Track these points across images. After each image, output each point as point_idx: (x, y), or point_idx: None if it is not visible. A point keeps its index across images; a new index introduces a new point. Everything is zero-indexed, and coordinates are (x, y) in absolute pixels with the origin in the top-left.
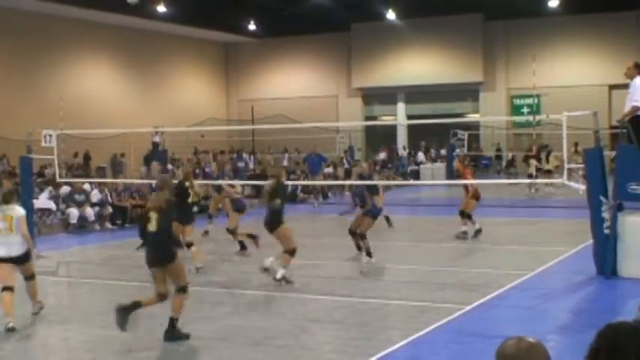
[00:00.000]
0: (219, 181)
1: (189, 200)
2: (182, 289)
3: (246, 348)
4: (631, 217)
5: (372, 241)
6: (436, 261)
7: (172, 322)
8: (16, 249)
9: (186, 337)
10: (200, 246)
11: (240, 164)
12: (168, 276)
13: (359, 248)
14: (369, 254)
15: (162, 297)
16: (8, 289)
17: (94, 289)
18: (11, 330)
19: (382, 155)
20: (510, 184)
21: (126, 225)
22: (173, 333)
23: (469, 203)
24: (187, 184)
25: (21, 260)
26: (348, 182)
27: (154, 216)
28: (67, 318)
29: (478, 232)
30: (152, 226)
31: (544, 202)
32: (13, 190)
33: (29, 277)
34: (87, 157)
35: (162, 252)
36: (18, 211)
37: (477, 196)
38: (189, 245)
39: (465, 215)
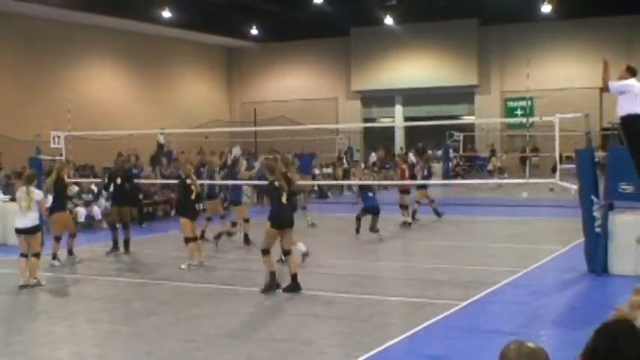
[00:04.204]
0: (226, 181)
1: (192, 197)
2: (287, 252)
3: (248, 343)
4: (621, 216)
5: (372, 240)
6: (432, 259)
7: (295, 276)
8: (28, 222)
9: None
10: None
11: None
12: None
13: (357, 231)
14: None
15: (287, 252)
16: (23, 255)
17: (101, 285)
18: (22, 287)
19: (373, 158)
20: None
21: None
22: (295, 285)
23: (403, 197)
24: (189, 181)
25: (30, 231)
26: (345, 182)
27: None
28: (75, 313)
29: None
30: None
31: (538, 201)
32: (33, 173)
33: (34, 254)
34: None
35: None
36: (38, 194)
37: (406, 190)
38: (195, 240)
39: (403, 207)
